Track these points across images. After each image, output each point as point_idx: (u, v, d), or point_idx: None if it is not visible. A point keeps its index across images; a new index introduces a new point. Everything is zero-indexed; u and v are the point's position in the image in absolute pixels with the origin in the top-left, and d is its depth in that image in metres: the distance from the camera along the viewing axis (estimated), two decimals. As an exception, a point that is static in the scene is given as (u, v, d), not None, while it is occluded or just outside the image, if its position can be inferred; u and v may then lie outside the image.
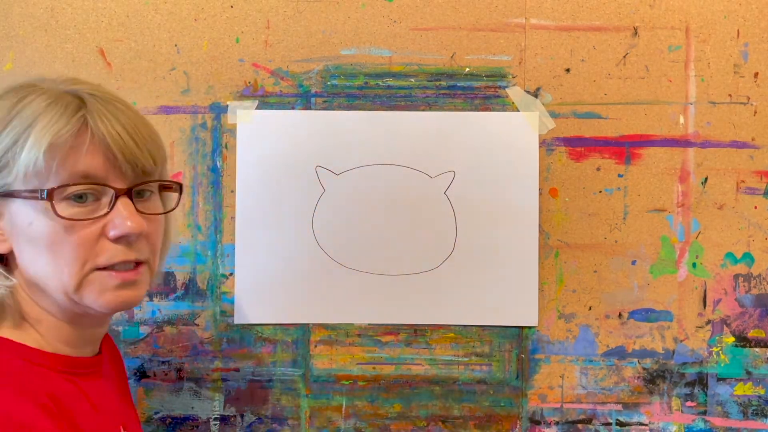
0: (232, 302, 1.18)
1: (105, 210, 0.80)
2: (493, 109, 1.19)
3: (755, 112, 1.19)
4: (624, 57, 1.19)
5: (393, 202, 1.19)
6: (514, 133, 1.19)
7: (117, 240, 0.81)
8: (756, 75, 1.19)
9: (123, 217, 0.80)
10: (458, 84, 1.19)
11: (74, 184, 0.79)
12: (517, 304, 1.18)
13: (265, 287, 1.18)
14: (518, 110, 1.19)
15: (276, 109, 1.19)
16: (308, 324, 1.19)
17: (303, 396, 1.19)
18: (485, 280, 1.18)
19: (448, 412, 1.20)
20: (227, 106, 1.19)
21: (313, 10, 1.20)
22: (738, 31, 1.19)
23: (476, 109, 1.19)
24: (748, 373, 1.19)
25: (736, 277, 1.19)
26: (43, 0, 1.19)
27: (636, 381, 1.19)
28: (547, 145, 1.19)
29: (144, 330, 1.19)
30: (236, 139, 1.18)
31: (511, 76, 1.19)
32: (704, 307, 1.19)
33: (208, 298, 1.19)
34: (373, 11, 1.20)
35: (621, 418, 1.19)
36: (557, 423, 1.19)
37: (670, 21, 1.19)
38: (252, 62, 1.20)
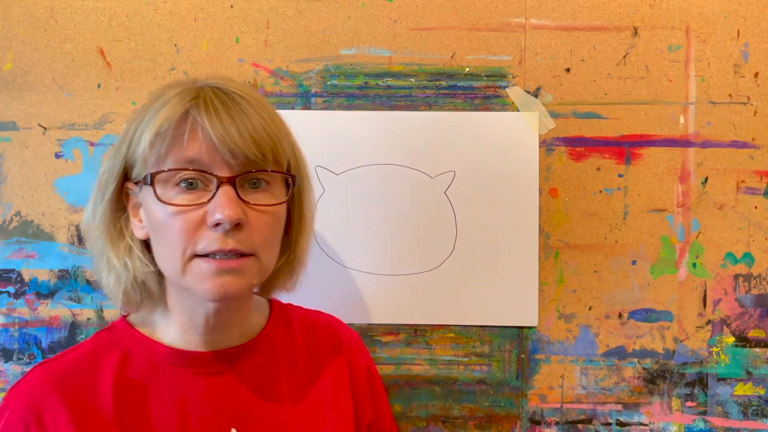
0: (232, 302, 1.18)
1: (208, 197, 0.82)
2: (493, 109, 1.19)
3: (755, 112, 1.19)
4: (624, 57, 1.19)
5: (393, 202, 1.19)
6: (514, 133, 1.19)
7: (215, 228, 0.81)
8: (756, 75, 1.19)
9: (220, 205, 0.81)
10: (458, 84, 1.19)
11: (177, 170, 0.82)
12: (517, 304, 1.18)
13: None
14: (518, 110, 1.19)
15: (276, 108, 1.19)
16: (308, 324, 1.19)
17: (303, 396, 1.19)
18: (485, 280, 1.18)
19: (448, 412, 1.20)
20: (227, 106, 1.19)
21: (313, 10, 1.20)
22: (738, 31, 1.19)
23: (476, 109, 1.19)
24: (748, 373, 1.19)
25: (737, 277, 1.19)
26: (43, 0, 1.19)
27: (636, 381, 1.19)
28: (547, 145, 1.19)
29: (144, 330, 1.19)
30: (236, 139, 1.18)
31: (511, 76, 1.20)
32: (704, 307, 1.19)
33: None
34: (373, 11, 1.20)
35: (621, 418, 1.19)
36: (557, 423, 1.19)
37: (670, 21, 1.19)
38: (252, 62, 1.20)
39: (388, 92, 1.20)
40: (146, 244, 0.88)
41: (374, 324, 1.19)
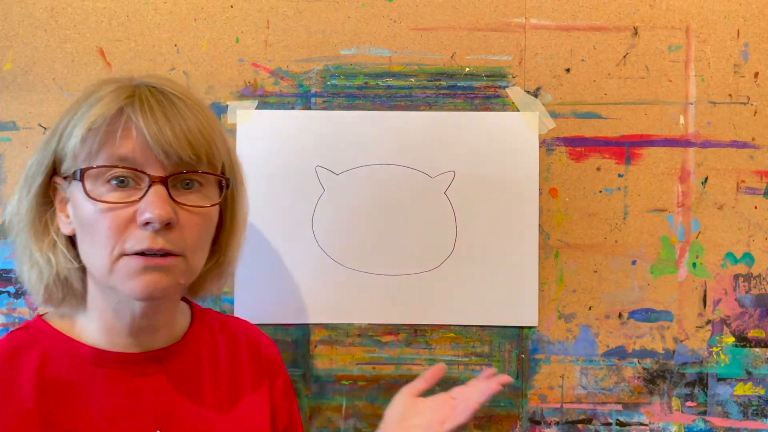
0: (232, 302, 1.18)
1: (139, 196, 0.81)
2: (493, 109, 1.19)
3: (755, 112, 1.19)
4: (624, 57, 1.19)
5: (393, 202, 1.19)
6: (514, 133, 1.19)
7: (145, 227, 0.81)
8: (756, 75, 1.19)
9: (150, 204, 0.80)
10: (458, 84, 1.19)
11: (108, 167, 0.81)
12: (517, 304, 1.18)
13: (265, 287, 1.18)
14: (518, 110, 1.19)
15: (276, 109, 1.19)
16: (308, 324, 1.19)
17: (303, 396, 1.19)
18: (485, 280, 1.18)
19: (448, 412, 1.19)
20: (227, 106, 1.19)
21: (313, 10, 1.20)
22: (738, 31, 1.19)
23: (476, 109, 1.19)
24: (748, 373, 1.19)
25: (737, 277, 1.19)
26: (43, 0, 1.19)
27: (636, 381, 1.19)
28: (547, 145, 1.19)
29: (144, 330, 1.19)
30: (236, 139, 1.18)
31: (511, 76, 1.19)
32: (704, 307, 1.19)
33: (208, 298, 1.19)
34: (373, 11, 1.20)
35: (621, 418, 1.19)
36: (557, 423, 1.19)
37: (670, 21, 1.19)
38: (252, 62, 1.20)
39: (388, 92, 1.20)
40: (71, 240, 0.87)
41: (374, 324, 1.19)
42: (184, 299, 0.99)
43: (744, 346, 1.19)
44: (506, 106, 1.19)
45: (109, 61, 1.19)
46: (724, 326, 1.19)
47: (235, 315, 1.18)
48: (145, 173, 0.81)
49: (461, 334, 1.19)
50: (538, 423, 1.19)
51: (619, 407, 1.19)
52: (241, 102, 1.19)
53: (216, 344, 0.97)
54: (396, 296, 1.18)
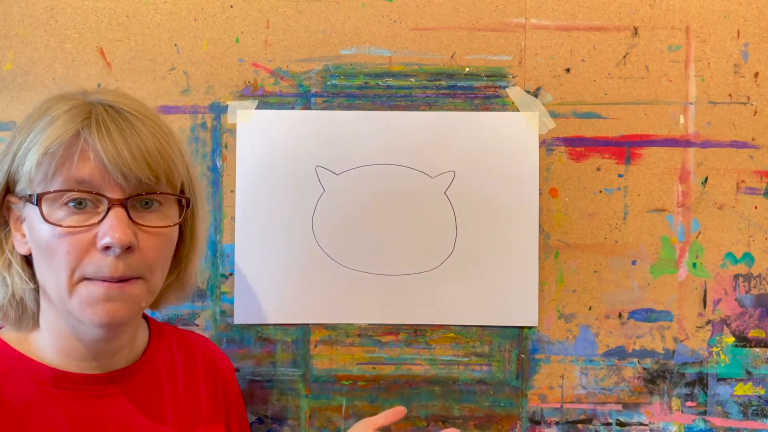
0: (231, 302, 1.18)
1: (98, 219, 0.80)
2: (493, 109, 1.19)
3: (755, 112, 1.19)
4: (624, 57, 1.19)
5: (393, 202, 1.19)
6: (514, 133, 1.19)
7: (105, 251, 0.80)
8: (756, 75, 1.19)
9: (110, 227, 0.79)
10: (458, 84, 1.19)
11: (65, 191, 0.79)
12: (517, 304, 1.18)
13: (265, 287, 1.18)
14: (518, 110, 1.19)
15: (276, 109, 1.19)
16: (308, 324, 1.19)
17: (303, 396, 1.19)
18: (485, 280, 1.18)
19: (448, 412, 1.20)
20: (227, 106, 1.19)
21: (313, 10, 1.20)
22: (738, 31, 1.19)
23: (476, 109, 1.19)
24: (749, 373, 1.19)
25: (737, 277, 1.19)
26: (43, 0, 1.19)
27: (636, 381, 1.19)
28: (547, 145, 1.19)
29: (144, 330, 1.19)
30: (236, 139, 1.18)
31: (511, 76, 1.19)
32: (704, 307, 1.19)
33: (207, 298, 1.19)
34: (373, 11, 1.20)
35: (621, 418, 1.19)
36: (557, 423, 1.19)
37: (670, 21, 1.19)
38: (252, 62, 1.20)
39: (388, 92, 1.20)
40: (27, 260, 0.85)
41: (374, 324, 1.19)
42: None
43: (744, 346, 1.19)
44: (506, 106, 1.19)
45: (109, 61, 1.19)
46: (724, 326, 1.19)
47: (235, 315, 1.18)
48: (104, 196, 0.80)
49: (461, 334, 1.19)
50: (538, 423, 1.19)
51: (619, 407, 1.19)
52: (241, 102, 1.19)
53: (174, 361, 0.97)
54: (396, 296, 1.18)
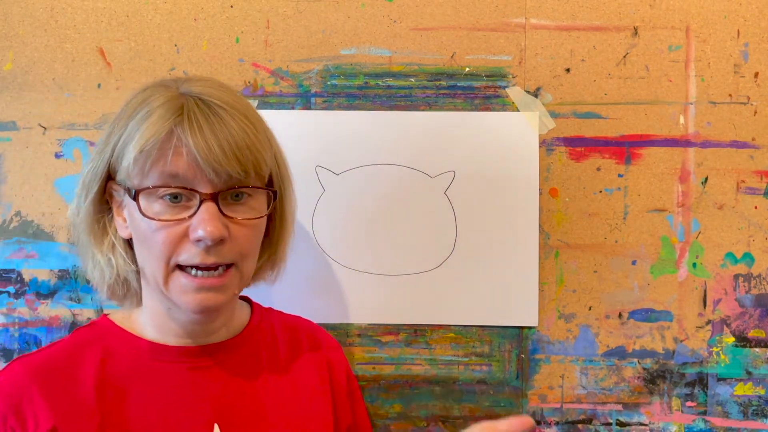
0: (232, 302, 1.18)
1: (191, 212, 0.84)
2: (493, 109, 1.19)
3: (755, 112, 1.19)
4: (624, 57, 1.19)
5: (393, 202, 1.19)
6: (514, 133, 1.19)
7: (197, 243, 0.84)
8: (756, 75, 1.19)
9: (202, 221, 0.83)
10: (458, 84, 1.19)
11: (160, 186, 0.83)
12: (517, 304, 1.18)
13: (265, 287, 1.18)
14: (518, 110, 1.19)
15: (276, 108, 1.19)
16: (308, 324, 1.19)
17: (303, 396, 1.19)
18: (485, 280, 1.18)
19: (448, 412, 1.20)
20: (227, 106, 1.19)
21: (313, 10, 1.20)
22: (738, 31, 1.19)
23: (476, 109, 1.19)
24: (749, 373, 1.19)
25: (737, 277, 1.19)
26: (43, 0, 1.19)
27: (636, 381, 1.19)
28: (547, 145, 1.19)
29: (144, 330, 1.19)
30: (236, 139, 1.18)
31: (511, 76, 1.19)
32: (704, 307, 1.19)
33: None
34: (373, 11, 1.20)
35: (621, 418, 1.19)
36: (557, 423, 1.19)
37: (670, 21, 1.19)
38: (252, 62, 1.20)
39: (388, 92, 1.20)
40: (128, 243, 0.90)
41: (374, 324, 1.19)
42: (244, 298, 1.02)
43: (744, 346, 1.19)
44: (506, 106, 1.19)
45: (109, 61, 1.19)
46: (724, 326, 1.19)
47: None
48: (196, 191, 0.84)
49: (461, 334, 1.19)
50: (538, 423, 1.19)
51: (619, 407, 1.19)
52: (241, 102, 1.19)
53: (275, 340, 1.00)
54: (396, 296, 1.18)
